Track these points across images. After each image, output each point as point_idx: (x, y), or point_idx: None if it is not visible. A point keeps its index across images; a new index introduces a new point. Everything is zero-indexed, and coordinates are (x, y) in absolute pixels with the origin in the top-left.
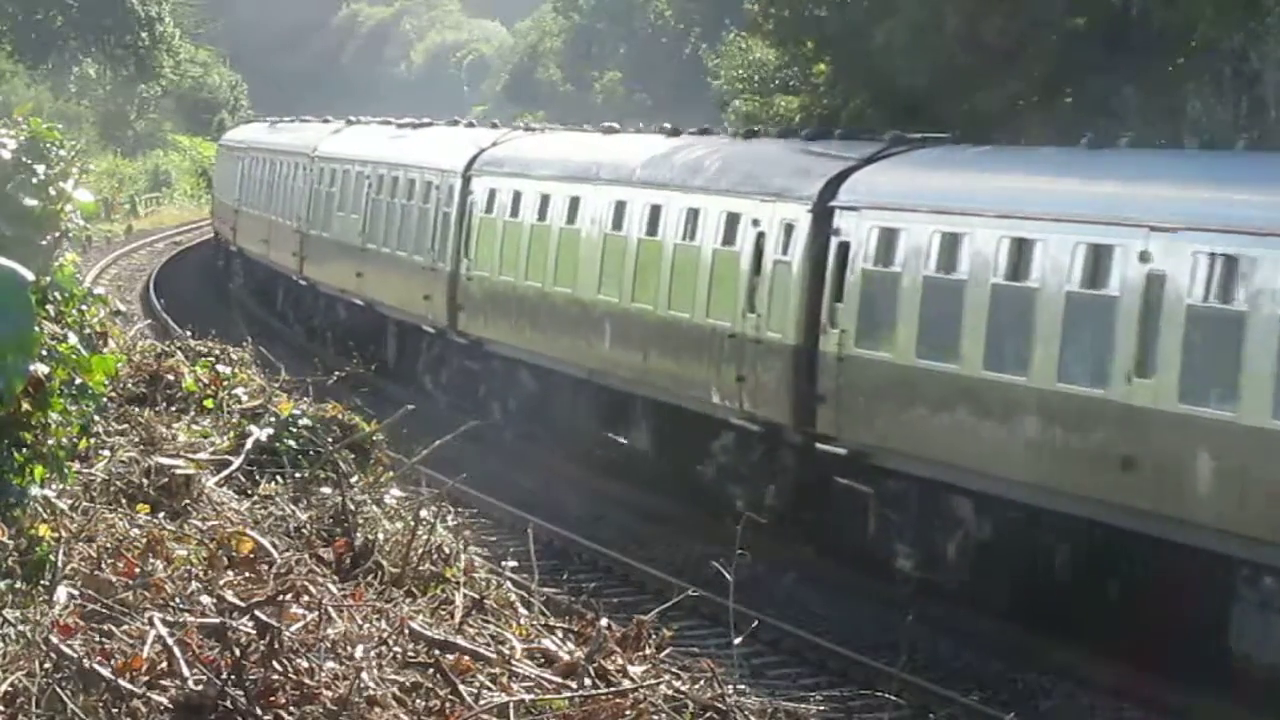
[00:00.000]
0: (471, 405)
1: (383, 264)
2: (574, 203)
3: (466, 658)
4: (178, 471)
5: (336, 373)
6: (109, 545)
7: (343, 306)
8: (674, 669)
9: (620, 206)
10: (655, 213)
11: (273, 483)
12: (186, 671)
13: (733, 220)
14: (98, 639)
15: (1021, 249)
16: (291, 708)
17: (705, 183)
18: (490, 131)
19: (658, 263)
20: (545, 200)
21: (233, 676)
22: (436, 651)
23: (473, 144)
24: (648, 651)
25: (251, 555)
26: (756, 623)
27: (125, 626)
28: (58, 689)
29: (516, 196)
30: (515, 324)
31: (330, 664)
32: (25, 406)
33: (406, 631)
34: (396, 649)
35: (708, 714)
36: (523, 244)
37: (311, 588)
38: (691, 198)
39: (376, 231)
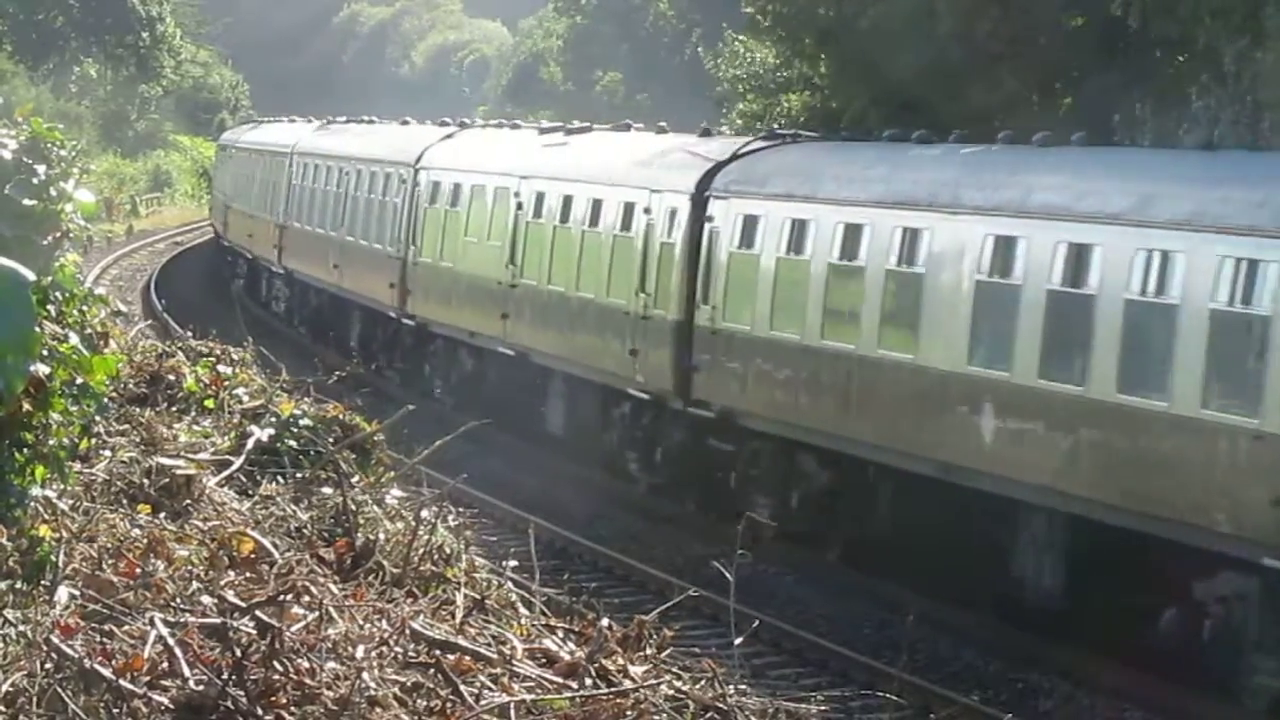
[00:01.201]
0: (722, 499)
1: (548, 307)
2: (912, 238)
3: (467, 658)
4: (179, 472)
5: (337, 372)
6: (110, 545)
7: (469, 353)
8: (675, 669)
9: (1005, 245)
10: (1080, 256)
11: (274, 483)
12: (187, 672)
13: (1249, 271)
14: (98, 639)
15: None
16: (292, 708)
17: (1183, 216)
18: (714, 141)
19: (1087, 325)
20: (854, 233)
21: (234, 677)
22: (437, 652)
23: (696, 157)
24: (649, 651)
25: (252, 555)
26: (757, 623)
27: (126, 627)
28: (58, 689)
29: (797, 227)
30: (802, 397)
31: (331, 664)
32: (26, 407)
33: (407, 632)
34: (397, 649)
35: (709, 714)
36: (812, 291)
37: (312, 588)
38: (1152, 235)
39: (532, 265)
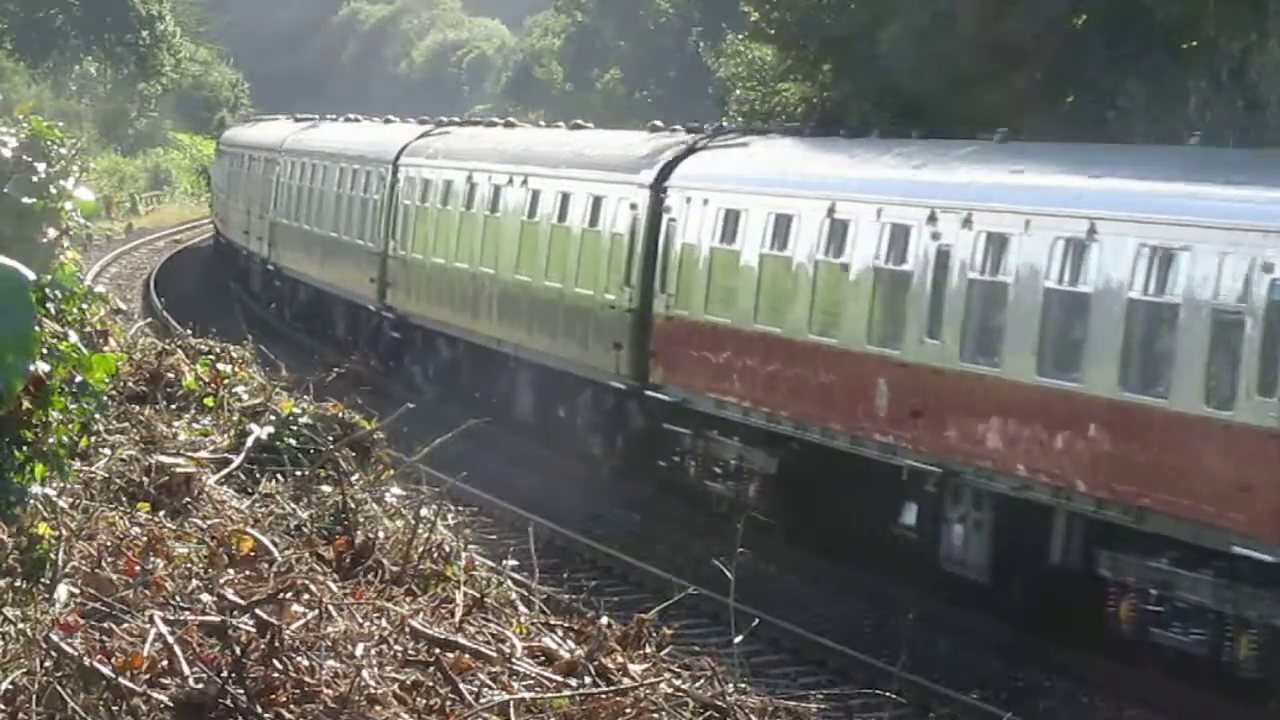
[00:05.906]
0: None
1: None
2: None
3: (467, 656)
4: (178, 470)
5: (336, 370)
6: (109, 543)
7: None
8: (674, 667)
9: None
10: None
11: (273, 481)
12: (187, 670)
13: None
14: (98, 637)
15: None
16: (292, 706)
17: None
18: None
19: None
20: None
21: (233, 675)
22: (437, 650)
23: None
24: (648, 650)
25: (252, 553)
26: (757, 621)
27: (126, 625)
28: (58, 687)
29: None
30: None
31: (331, 662)
32: (26, 405)
33: (407, 630)
34: (397, 647)
35: (708, 712)
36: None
37: (312, 586)
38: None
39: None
